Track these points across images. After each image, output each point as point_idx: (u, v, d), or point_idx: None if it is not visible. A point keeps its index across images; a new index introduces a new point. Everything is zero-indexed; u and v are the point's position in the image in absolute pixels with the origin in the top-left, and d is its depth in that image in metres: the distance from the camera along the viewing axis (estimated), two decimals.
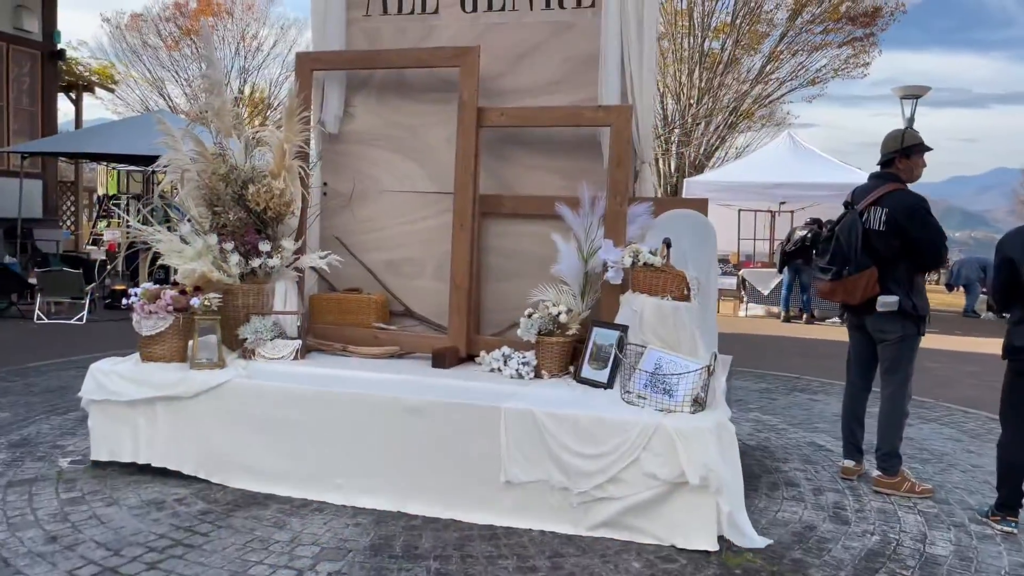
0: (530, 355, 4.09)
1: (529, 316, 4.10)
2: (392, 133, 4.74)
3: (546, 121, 4.29)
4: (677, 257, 3.98)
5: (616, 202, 4.12)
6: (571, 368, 4.05)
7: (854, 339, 4.27)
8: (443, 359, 4.20)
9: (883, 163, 4.09)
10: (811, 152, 15.53)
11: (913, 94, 17.56)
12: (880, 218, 3.94)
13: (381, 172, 4.79)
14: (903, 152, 4.01)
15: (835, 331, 10.29)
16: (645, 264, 3.86)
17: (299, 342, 4.27)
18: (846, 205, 4.12)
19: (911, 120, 17.93)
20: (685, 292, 3.84)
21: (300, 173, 4.52)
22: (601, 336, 3.93)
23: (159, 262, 4.41)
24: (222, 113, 4.57)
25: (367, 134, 4.79)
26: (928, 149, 4.05)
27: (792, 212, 15.05)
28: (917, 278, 4.01)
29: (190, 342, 4.11)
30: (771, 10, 25.26)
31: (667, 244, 3.93)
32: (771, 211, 15.42)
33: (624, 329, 3.83)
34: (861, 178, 15.18)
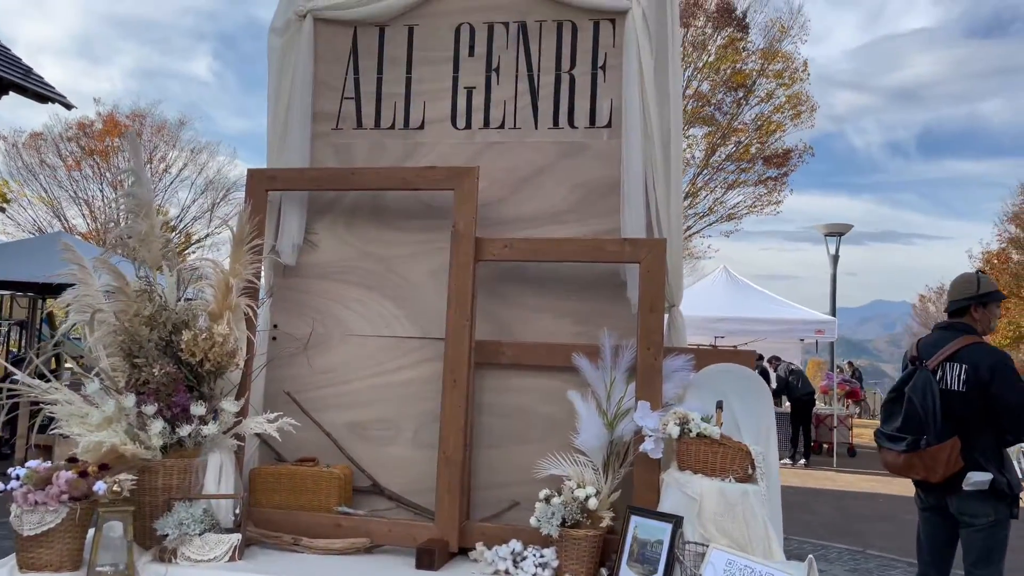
0: (549, 553, 3.17)
1: (547, 500, 3.21)
2: (364, 266, 3.92)
3: (560, 255, 3.57)
4: (728, 423, 3.23)
5: (649, 354, 3.36)
6: (603, 571, 3.15)
7: (930, 522, 3.55)
8: (430, 558, 3.23)
9: (953, 312, 3.52)
10: (747, 286, 15.51)
11: (837, 231, 18.07)
12: (959, 376, 3.32)
13: (348, 312, 3.92)
14: (979, 300, 3.46)
15: (832, 477, 9.67)
16: (699, 435, 3.08)
17: (237, 536, 3.22)
18: (913, 361, 3.49)
19: (835, 257, 18.37)
20: (750, 471, 3.06)
21: (247, 314, 3.61)
22: (644, 529, 3.06)
23: (54, 428, 3.35)
24: (149, 239, 3.67)
25: (332, 266, 3.95)
26: (1003, 297, 3.52)
27: (735, 347, 14.79)
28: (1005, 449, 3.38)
29: (89, 540, 3.02)
30: (686, 148, 26.28)
31: (719, 408, 3.18)
32: (713, 346, 15.13)
33: (677, 521, 2.98)
34: (802, 314, 15.29)
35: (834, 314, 16.68)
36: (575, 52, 3.82)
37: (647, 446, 3.19)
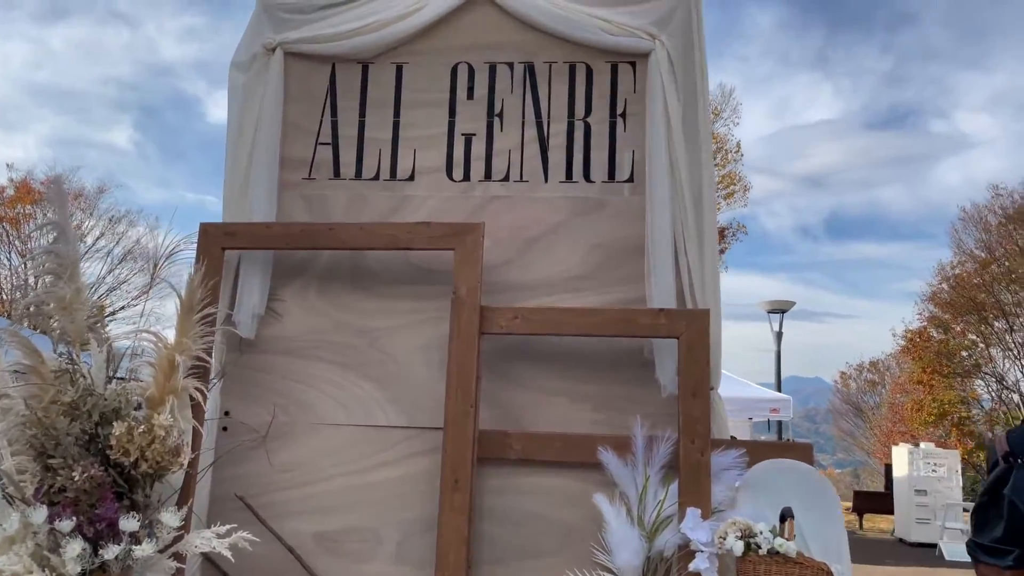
0: None
1: None
2: (339, 339, 3.27)
3: (582, 328, 3.01)
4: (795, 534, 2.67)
5: (694, 448, 2.80)
6: None
7: None
8: None
9: None
10: None
11: (779, 308, 18.08)
12: None
13: (317, 395, 3.24)
14: None
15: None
16: (770, 551, 2.50)
17: None
18: (1006, 458, 3.01)
19: (779, 334, 18.33)
20: None
21: (195, 399, 2.91)
22: None
23: None
24: (73, 307, 2.96)
25: (300, 340, 3.29)
26: None
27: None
28: None
29: None
30: None
31: (790, 517, 2.63)
32: None
33: None
34: (755, 392, 14.99)
35: (780, 390, 16.51)
36: (590, 98, 3.36)
37: (699, 565, 2.60)
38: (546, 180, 3.32)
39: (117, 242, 21.83)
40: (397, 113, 3.43)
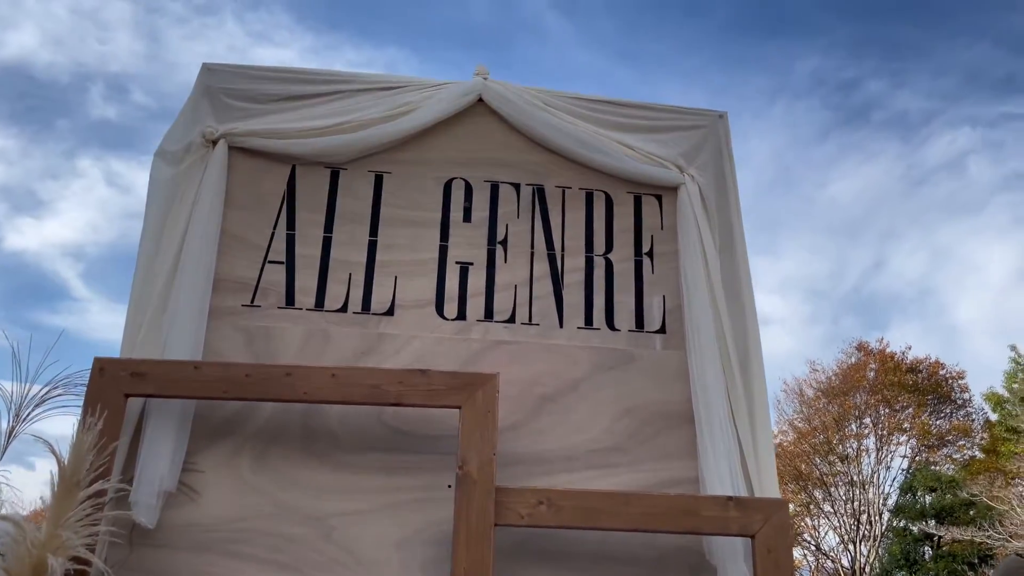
0: None
1: None
2: (279, 529, 2.34)
3: (629, 521, 2.27)
4: None
5: None
6: None
7: None
8: None
9: None
10: None
11: None
12: None
13: None
14: None
15: None
16: None
17: None
18: None
19: None
20: None
21: None
22: None
23: None
24: None
25: (222, 529, 2.32)
26: None
27: None
28: None
29: None
30: None
31: None
32: None
33: None
34: None
35: None
36: (611, 231, 2.82)
37: None
38: (561, 325, 2.68)
39: None
40: (374, 231, 2.72)
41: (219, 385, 2.29)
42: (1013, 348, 20.99)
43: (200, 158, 2.69)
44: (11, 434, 2.18)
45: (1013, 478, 19.48)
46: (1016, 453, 19.66)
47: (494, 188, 2.83)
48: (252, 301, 2.59)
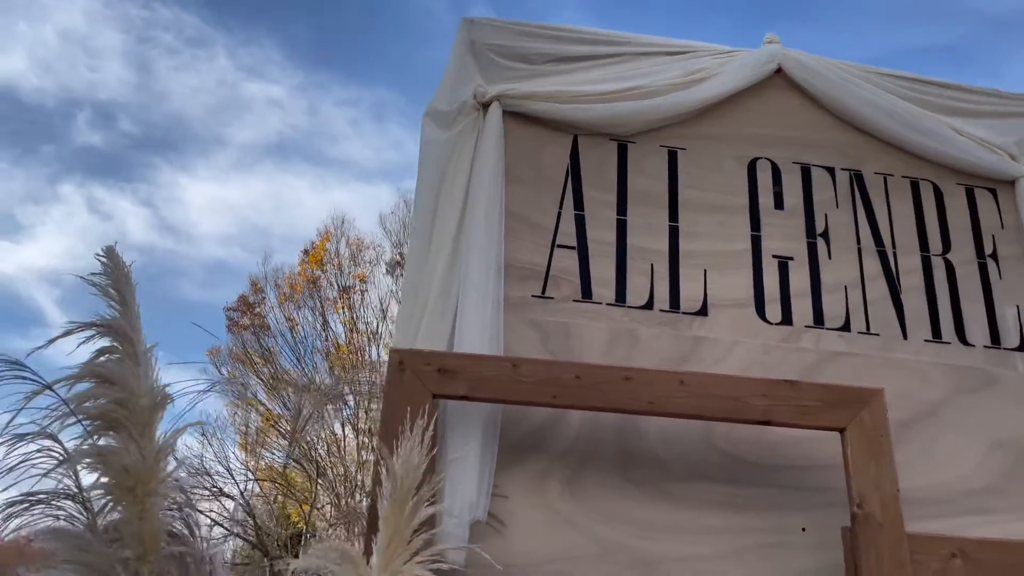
0: None
1: None
2: (603, 572, 1.86)
3: None
4: None
5: None
6: None
7: None
8: None
9: None
10: None
11: None
12: None
13: None
14: None
15: None
16: None
17: None
18: None
19: None
20: None
21: None
22: None
23: None
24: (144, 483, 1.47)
25: (539, 571, 1.85)
26: None
27: None
28: None
29: None
30: None
31: None
32: None
33: None
34: None
35: None
36: (946, 228, 2.37)
37: None
38: (904, 336, 2.22)
39: None
40: (674, 216, 2.28)
41: (544, 388, 1.82)
42: None
43: (472, 123, 2.27)
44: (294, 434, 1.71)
45: None
46: None
47: (805, 172, 2.39)
48: (543, 291, 2.14)
